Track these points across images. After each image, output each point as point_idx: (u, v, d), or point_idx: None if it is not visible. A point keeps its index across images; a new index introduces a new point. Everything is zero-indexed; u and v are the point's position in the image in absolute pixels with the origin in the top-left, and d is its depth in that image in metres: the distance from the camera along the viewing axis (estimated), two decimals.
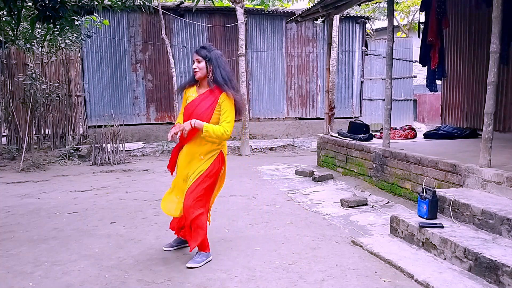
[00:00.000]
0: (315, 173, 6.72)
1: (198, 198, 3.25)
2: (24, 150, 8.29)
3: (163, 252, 3.57)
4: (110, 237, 4.00)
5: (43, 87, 8.82)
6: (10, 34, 7.93)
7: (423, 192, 3.77)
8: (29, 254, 3.58)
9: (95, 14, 9.37)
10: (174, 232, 3.64)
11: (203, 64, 3.25)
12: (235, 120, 3.35)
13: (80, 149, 9.31)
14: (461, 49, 7.63)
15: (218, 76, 3.24)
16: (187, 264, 3.24)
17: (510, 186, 3.61)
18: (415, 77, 14.26)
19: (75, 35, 9.07)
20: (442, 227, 3.42)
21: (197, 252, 3.34)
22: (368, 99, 13.01)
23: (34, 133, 9.55)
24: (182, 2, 10.71)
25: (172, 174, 3.49)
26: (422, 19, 7.53)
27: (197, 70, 3.27)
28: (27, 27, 7.88)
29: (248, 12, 11.06)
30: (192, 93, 3.35)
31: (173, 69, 9.71)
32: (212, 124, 3.19)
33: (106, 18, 10.00)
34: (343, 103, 12.21)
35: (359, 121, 7.61)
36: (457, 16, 7.58)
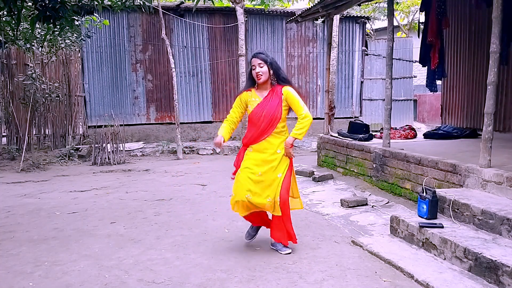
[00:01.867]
0: (315, 173, 6.72)
1: (289, 190, 3.53)
2: (24, 150, 8.29)
3: (163, 252, 3.58)
4: (110, 237, 4.00)
5: (43, 87, 8.82)
6: (10, 34, 7.94)
7: (423, 192, 3.77)
8: (29, 254, 3.58)
9: (95, 14, 9.37)
10: (253, 223, 3.71)
11: (265, 68, 3.43)
12: None
13: (80, 149, 9.31)
14: (461, 49, 7.63)
15: (280, 76, 3.48)
16: (283, 252, 3.48)
17: (510, 186, 3.61)
18: (415, 77, 14.26)
19: (75, 35, 9.08)
20: (442, 227, 3.42)
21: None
22: (368, 99, 13.01)
23: (34, 133, 9.55)
24: (182, 2, 10.71)
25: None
26: (422, 19, 7.54)
27: (261, 74, 3.42)
28: (27, 27, 7.89)
29: (248, 12, 11.05)
30: (254, 97, 3.52)
31: (173, 69, 9.70)
32: (283, 128, 3.54)
33: (106, 18, 10.00)
34: (343, 103, 12.21)
35: (359, 121, 7.61)
36: (457, 16, 7.58)
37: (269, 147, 3.48)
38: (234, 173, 3.59)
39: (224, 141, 3.47)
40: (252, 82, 3.54)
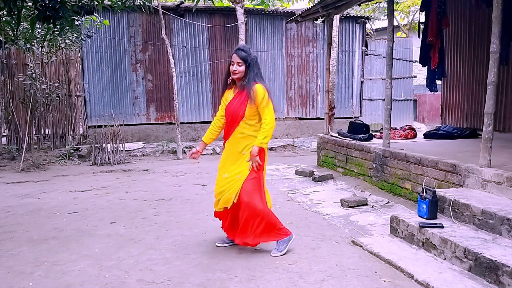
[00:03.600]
0: (315, 173, 6.72)
1: (255, 192, 3.42)
2: (24, 150, 8.29)
3: (163, 252, 3.58)
4: (110, 237, 4.00)
5: (43, 87, 8.81)
6: (10, 34, 7.93)
7: (423, 192, 3.77)
8: (29, 254, 3.58)
9: (95, 14, 9.37)
10: (227, 233, 3.71)
11: (243, 68, 3.39)
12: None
13: (80, 149, 9.31)
14: (461, 49, 7.63)
15: (250, 79, 3.40)
16: (271, 254, 3.44)
17: (510, 186, 3.61)
18: (415, 77, 14.26)
19: (75, 35, 9.07)
20: (442, 227, 3.42)
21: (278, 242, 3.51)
22: (368, 99, 13.01)
23: (34, 133, 9.55)
24: (182, 2, 10.71)
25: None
26: (422, 19, 7.54)
27: (236, 72, 3.39)
28: (27, 27, 7.88)
29: (248, 12, 11.06)
30: (230, 95, 3.55)
31: (173, 69, 9.70)
32: (251, 127, 3.44)
33: (106, 18, 10.00)
34: (343, 103, 12.21)
35: (359, 121, 7.61)
36: (457, 16, 7.58)
37: (236, 146, 3.48)
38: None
39: (204, 147, 3.71)
40: (229, 77, 3.51)
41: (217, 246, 3.68)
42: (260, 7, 11.12)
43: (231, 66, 3.41)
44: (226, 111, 3.54)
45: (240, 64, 3.36)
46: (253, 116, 3.43)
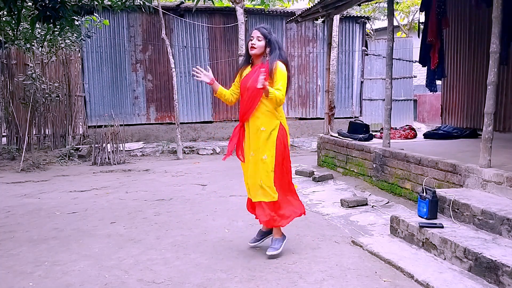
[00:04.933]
0: (315, 173, 6.72)
1: (281, 177, 3.40)
2: (24, 150, 8.29)
3: (163, 252, 3.58)
4: (110, 237, 4.00)
5: (43, 87, 8.82)
6: (10, 34, 7.93)
7: (423, 192, 3.77)
8: (29, 254, 3.58)
9: (95, 14, 9.37)
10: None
11: (263, 43, 3.32)
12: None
13: (80, 149, 9.31)
14: (461, 49, 7.63)
15: (274, 56, 3.30)
16: (267, 253, 3.36)
17: (510, 186, 3.61)
18: (415, 77, 14.26)
19: (75, 35, 9.07)
20: (442, 227, 3.42)
21: (273, 239, 3.46)
22: (368, 99, 13.02)
23: (34, 133, 9.55)
24: (182, 2, 10.71)
25: (242, 159, 3.52)
26: (422, 19, 7.54)
27: (255, 46, 3.32)
28: (27, 27, 7.88)
29: (248, 12, 11.06)
30: (247, 70, 3.48)
31: (173, 69, 9.71)
32: (270, 102, 3.30)
33: (106, 18, 10.01)
34: (343, 103, 12.22)
35: (359, 121, 7.60)
36: (457, 16, 7.58)
37: (255, 122, 3.36)
38: (226, 156, 3.57)
39: (213, 83, 3.43)
40: (249, 56, 3.44)
41: (250, 244, 3.64)
42: (260, 7, 11.12)
43: (250, 41, 3.34)
44: (242, 85, 3.43)
45: (260, 39, 3.29)
46: None
